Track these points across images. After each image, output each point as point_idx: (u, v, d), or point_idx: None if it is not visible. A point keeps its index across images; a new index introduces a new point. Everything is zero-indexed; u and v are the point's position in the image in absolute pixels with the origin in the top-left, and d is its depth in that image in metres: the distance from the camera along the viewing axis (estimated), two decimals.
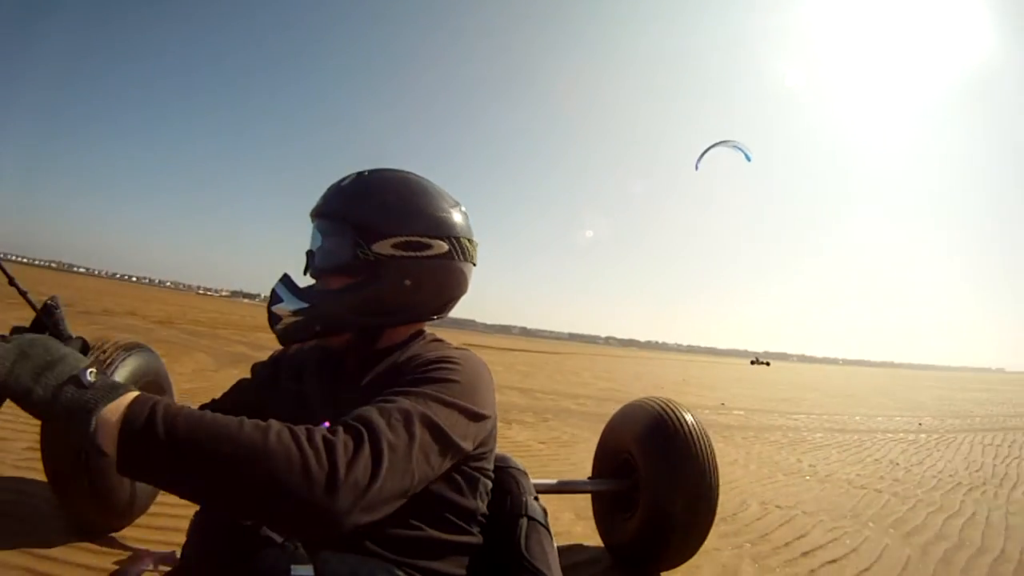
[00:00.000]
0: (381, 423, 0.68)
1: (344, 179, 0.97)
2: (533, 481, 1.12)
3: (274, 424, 0.63)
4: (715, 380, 18.24)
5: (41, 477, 2.04)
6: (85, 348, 0.68)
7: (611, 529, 2.26)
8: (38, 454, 1.84)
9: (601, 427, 2.42)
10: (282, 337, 0.96)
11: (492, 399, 0.89)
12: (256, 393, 1.07)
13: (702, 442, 2.04)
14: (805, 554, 2.61)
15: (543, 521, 1.01)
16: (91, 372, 0.60)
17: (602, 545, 2.33)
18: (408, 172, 0.99)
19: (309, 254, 0.98)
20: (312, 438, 0.62)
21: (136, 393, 0.61)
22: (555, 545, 1.00)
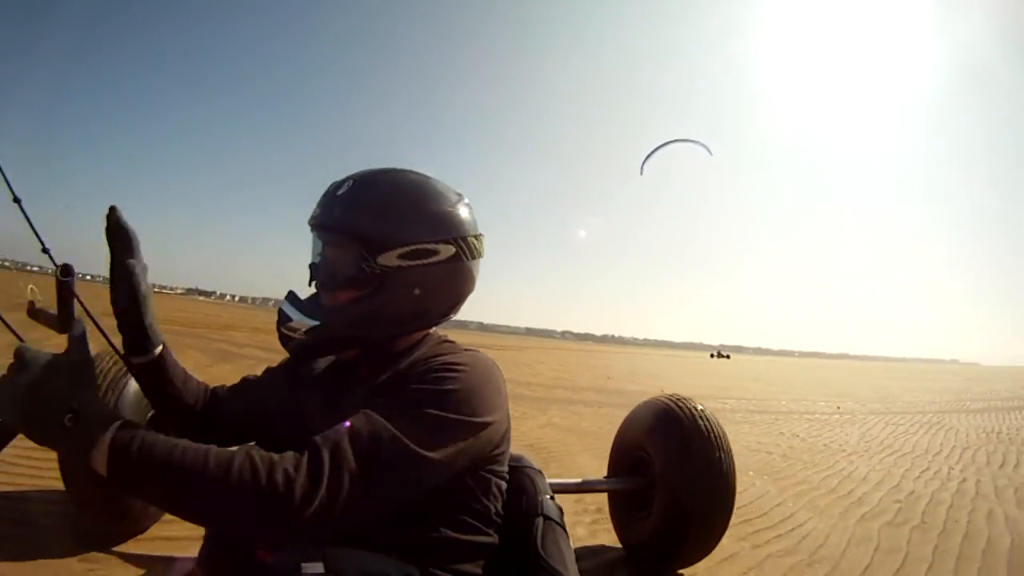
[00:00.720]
0: (347, 452, 0.71)
1: (340, 185, 0.93)
2: (549, 480, 1.11)
3: (239, 456, 0.68)
4: (663, 371, 19.53)
5: (58, 485, 2.06)
6: (83, 336, 0.72)
7: (628, 528, 2.23)
8: (52, 462, 1.87)
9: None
10: (296, 356, 0.97)
11: (500, 401, 0.88)
12: (259, 392, 1.08)
13: (717, 436, 2.02)
14: None
15: (559, 520, 1.00)
16: (68, 418, 0.66)
17: (619, 545, 2.31)
18: (406, 171, 0.96)
19: (312, 267, 0.97)
20: (272, 473, 0.67)
21: (119, 424, 0.67)
22: (571, 544, 0.99)
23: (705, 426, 2.03)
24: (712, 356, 55.97)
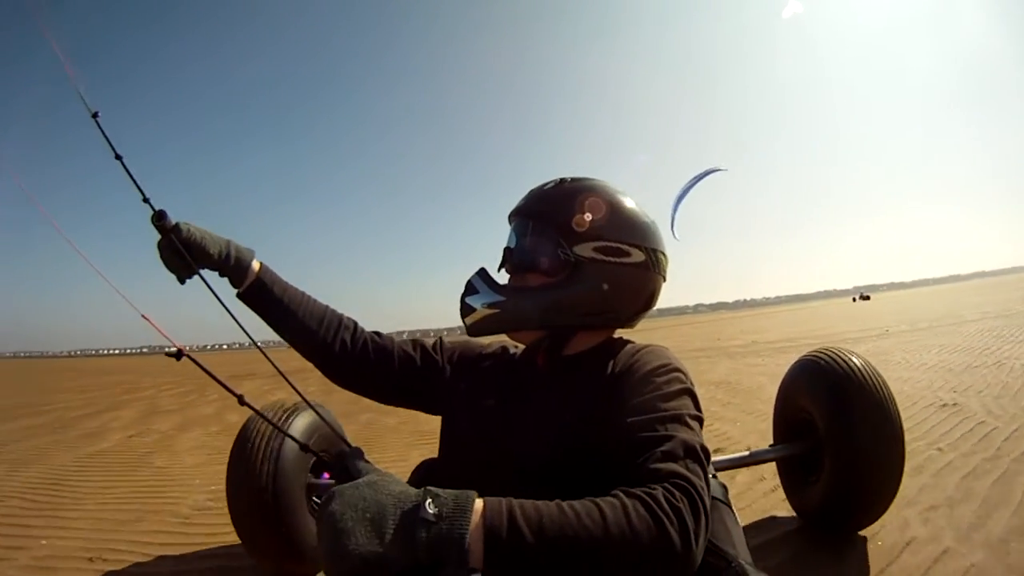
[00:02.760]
0: (683, 472, 0.68)
1: (546, 184, 0.98)
2: (713, 459, 1.08)
3: (620, 501, 0.62)
4: (774, 324, 22.05)
5: (228, 534, 2.27)
6: (361, 458, 0.67)
7: (800, 495, 2.14)
8: (215, 503, 2.00)
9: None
10: (472, 329, 0.97)
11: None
12: (427, 361, 1.05)
13: (878, 386, 1.88)
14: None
15: (724, 499, 0.97)
16: (429, 503, 0.55)
17: (794, 514, 2.23)
18: (608, 183, 0.99)
19: (507, 251, 0.99)
20: (659, 503, 0.62)
21: (480, 502, 0.58)
22: (739, 521, 0.96)
23: (863, 376, 1.89)
24: (854, 300, 54.64)
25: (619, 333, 1.03)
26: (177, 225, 0.86)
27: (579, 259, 0.91)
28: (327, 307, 1.04)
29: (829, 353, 2.03)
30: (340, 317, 1.05)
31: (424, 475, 1.03)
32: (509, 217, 1.01)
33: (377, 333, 1.07)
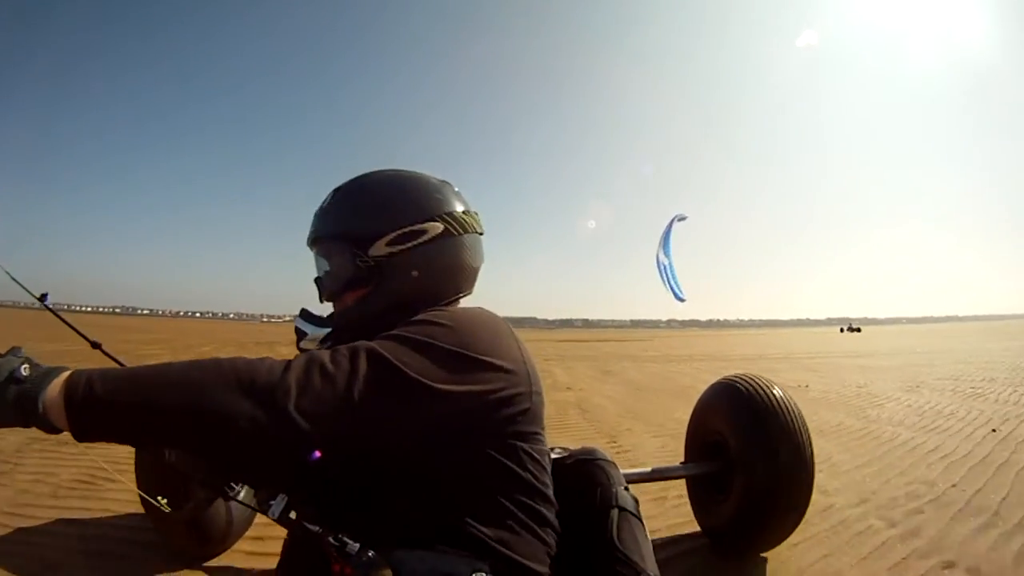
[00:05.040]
0: (324, 354, 0.72)
1: (323, 201, 0.98)
2: (623, 471, 1.10)
3: (208, 359, 0.68)
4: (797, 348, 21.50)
5: (135, 509, 2.28)
6: (16, 353, 0.69)
7: (707, 513, 2.19)
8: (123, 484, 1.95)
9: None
10: None
11: (508, 352, 0.83)
12: None
13: (792, 415, 1.93)
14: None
15: (634, 511, 0.97)
16: (24, 367, 0.64)
17: (700, 531, 2.27)
18: (384, 170, 0.98)
19: (316, 281, 1.00)
20: (255, 364, 0.68)
21: (71, 369, 0.66)
22: (648, 534, 0.97)
23: (778, 403, 1.95)
24: (842, 331, 51.20)
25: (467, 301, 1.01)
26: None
27: (378, 260, 0.91)
28: None
29: (750, 380, 2.08)
30: None
31: None
32: (308, 247, 1.01)
33: None
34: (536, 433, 0.87)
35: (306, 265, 1.03)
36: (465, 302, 1.01)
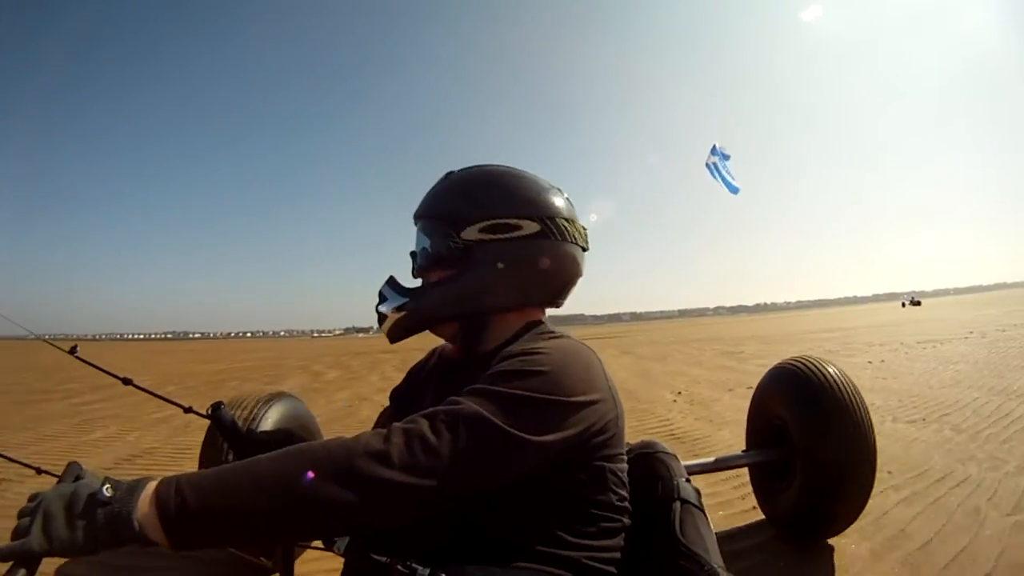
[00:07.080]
0: (423, 424, 0.70)
1: (436, 183, 1.01)
2: (684, 463, 1.09)
3: (304, 445, 0.68)
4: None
5: None
6: (81, 473, 0.66)
7: (771, 501, 2.15)
8: None
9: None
10: (389, 336, 0.98)
11: (598, 384, 0.83)
12: (395, 416, 1.04)
13: (851, 395, 1.89)
14: None
15: (697, 503, 0.96)
16: (107, 488, 0.61)
17: (764, 519, 2.24)
18: (499, 164, 1.00)
19: (412, 255, 1.02)
20: (332, 443, 0.67)
21: (155, 479, 0.63)
22: (711, 525, 0.95)
23: (837, 385, 1.90)
24: (903, 305, 50.98)
25: (551, 313, 1.03)
26: None
27: (468, 244, 0.92)
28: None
29: (805, 362, 2.04)
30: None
31: None
32: (413, 222, 1.04)
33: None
34: (620, 454, 0.88)
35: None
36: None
